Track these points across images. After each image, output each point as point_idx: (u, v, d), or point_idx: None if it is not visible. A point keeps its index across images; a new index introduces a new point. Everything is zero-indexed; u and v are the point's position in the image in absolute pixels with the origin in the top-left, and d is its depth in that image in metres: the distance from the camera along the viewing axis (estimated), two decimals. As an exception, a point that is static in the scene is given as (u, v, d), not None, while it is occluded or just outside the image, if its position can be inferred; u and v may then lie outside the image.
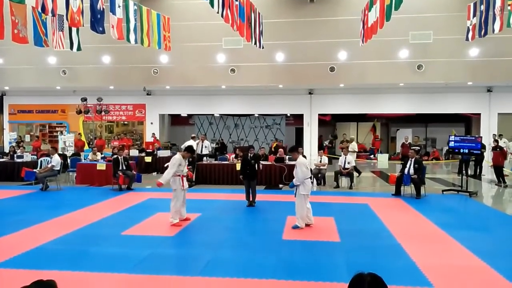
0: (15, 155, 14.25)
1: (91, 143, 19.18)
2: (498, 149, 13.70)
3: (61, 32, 10.46)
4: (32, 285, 1.80)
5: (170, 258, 5.88)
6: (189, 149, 8.02)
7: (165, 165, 7.86)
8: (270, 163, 12.98)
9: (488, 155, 17.33)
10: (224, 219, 8.24)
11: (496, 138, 14.78)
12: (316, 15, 17.45)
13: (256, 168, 9.68)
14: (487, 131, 18.67)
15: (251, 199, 9.52)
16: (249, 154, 9.74)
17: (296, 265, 5.49)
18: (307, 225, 7.47)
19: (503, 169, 13.61)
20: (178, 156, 7.76)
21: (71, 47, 10.67)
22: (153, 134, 20.06)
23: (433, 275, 5.04)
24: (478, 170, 15.09)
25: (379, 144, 23.74)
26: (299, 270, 5.27)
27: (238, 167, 12.86)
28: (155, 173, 15.96)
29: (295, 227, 7.33)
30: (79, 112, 18.20)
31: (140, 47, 11.49)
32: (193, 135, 16.54)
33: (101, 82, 19.14)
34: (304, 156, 8.05)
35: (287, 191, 11.37)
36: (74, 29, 10.30)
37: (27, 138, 22.00)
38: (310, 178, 8.01)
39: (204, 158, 14.46)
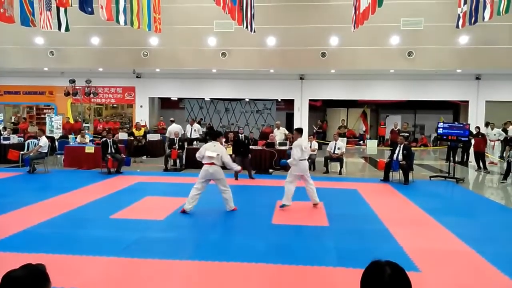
0: (1, 137, 14.01)
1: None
2: (480, 136, 13.99)
3: (48, 12, 10.21)
4: (21, 269, 1.75)
5: (159, 241, 5.86)
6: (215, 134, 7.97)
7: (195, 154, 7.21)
8: (260, 147, 12.98)
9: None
10: (214, 203, 8.23)
11: (480, 126, 15.16)
12: (308, -1, 17.28)
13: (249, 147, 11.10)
14: (475, 119, 18.88)
15: (248, 174, 10.77)
16: (240, 135, 11.07)
17: (285, 249, 5.52)
18: (314, 205, 7.81)
19: (486, 155, 13.89)
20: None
21: (59, 28, 10.43)
22: (138, 122, 19.96)
23: (420, 260, 5.11)
24: (465, 157, 15.30)
25: (384, 131, 22.87)
26: (288, 254, 5.31)
27: (229, 152, 12.89)
28: (145, 156, 15.85)
29: (282, 206, 7.57)
30: (67, 94, 17.92)
31: (130, 28, 11.30)
32: (171, 118, 16.42)
33: (89, 63, 18.80)
34: None
35: (277, 176, 11.41)
36: (62, 9, 10.07)
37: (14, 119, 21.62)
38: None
39: (194, 142, 14.43)
